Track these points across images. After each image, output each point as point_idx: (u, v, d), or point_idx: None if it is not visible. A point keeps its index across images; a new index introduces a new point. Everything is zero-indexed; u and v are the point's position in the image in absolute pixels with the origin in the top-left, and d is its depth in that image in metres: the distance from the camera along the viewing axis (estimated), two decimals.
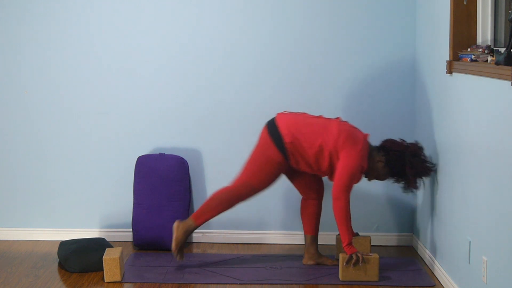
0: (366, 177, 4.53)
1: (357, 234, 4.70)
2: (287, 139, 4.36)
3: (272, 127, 4.43)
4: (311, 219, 4.65)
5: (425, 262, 4.74)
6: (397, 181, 4.51)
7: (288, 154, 4.37)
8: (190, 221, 4.51)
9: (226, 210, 4.52)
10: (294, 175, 4.61)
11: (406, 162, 4.40)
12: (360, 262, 4.28)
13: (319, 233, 4.75)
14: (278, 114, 4.52)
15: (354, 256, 4.28)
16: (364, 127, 5.01)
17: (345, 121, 4.51)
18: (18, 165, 5.17)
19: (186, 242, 5.11)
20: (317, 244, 4.67)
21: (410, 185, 4.45)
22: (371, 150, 4.45)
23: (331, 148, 4.33)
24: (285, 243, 5.15)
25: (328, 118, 4.51)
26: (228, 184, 4.54)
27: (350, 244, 4.30)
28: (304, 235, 4.69)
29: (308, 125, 4.39)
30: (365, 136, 4.45)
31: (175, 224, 4.51)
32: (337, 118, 4.53)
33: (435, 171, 4.46)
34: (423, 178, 4.49)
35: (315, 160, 4.38)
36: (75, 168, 5.16)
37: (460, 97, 3.99)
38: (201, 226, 5.14)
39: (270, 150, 4.39)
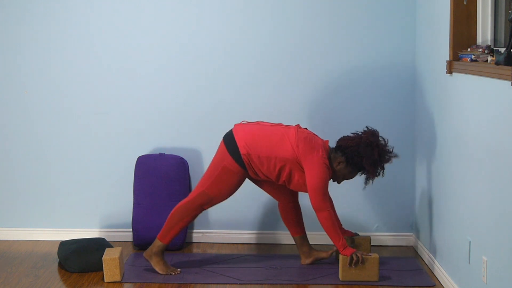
0: (334, 181, 4.47)
1: (357, 234, 4.70)
2: (243, 150, 4.33)
3: (228, 139, 4.40)
4: (293, 221, 4.65)
5: (425, 262, 4.74)
6: (363, 174, 4.43)
7: (245, 165, 4.35)
8: (157, 242, 4.47)
9: (190, 222, 4.50)
10: (260, 183, 4.59)
11: (361, 158, 4.32)
12: (360, 261, 4.27)
13: (314, 233, 4.76)
14: (235, 125, 4.47)
15: (354, 256, 4.27)
16: (364, 127, 5.01)
17: (304, 128, 4.46)
18: (18, 165, 5.17)
19: (186, 242, 5.12)
20: (308, 242, 4.66)
21: (371, 175, 4.36)
22: (331, 154, 4.40)
23: (290, 157, 4.29)
24: (285, 243, 5.15)
25: (286, 126, 4.44)
26: (185, 198, 4.52)
27: (345, 246, 4.30)
28: (293, 237, 4.68)
29: (266, 136, 4.35)
30: (325, 142, 4.42)
31: (145, 256, 4.49)
32: (296, 125, 4.47)
33: (394, 155, 4.38)
34: (383, 165, 4.36)
35: (273, 170, 4.34)
36: (75, 168, 5.16)
37: (460, 97, 3.98)
38: (201, 228, 5.18)
39: (227, 160, 4.36)
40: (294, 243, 5.10)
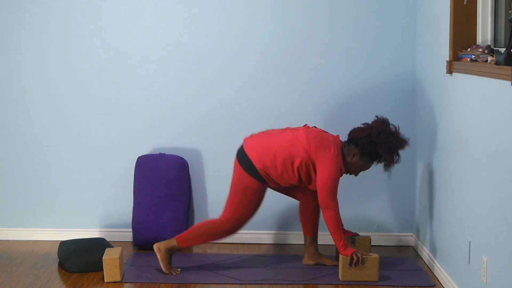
0: (351, 174, 4.48)
1: (356, 234, 4.70)
2: (258, 165, 4.33)
3: (241, 156, 4.39)
4: (310, 221, 4.64)
5: (425, 262, 4.74)
6: (379, 163, 4.44)
7: (263, 178, 4.36)
8: (174, 241, 4.45)
9: (211, 241, 4.52)
10: (283, 189, 4.60)
11: (376, 146, 4.33)
12: (360, 261, 4.27)
13: (319, 233, 4.75)
14: (245, 140, 4.46)
15: (354, 256, 4.27)
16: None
17: (313, 127, 4.47)
18: (18, 165, 5.17)
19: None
20: (316, 245, 4.67)
21: (388, 163, 4.36)
22: (344, 148, 4.41)
23: (305, 159, 4.30)
24: (285, 243, 5.15)
25: (294, 129, 4.43)
26: (217, 218, 4.48)
27: (346, 247, 4.30)
28: (304, 236, 4.68)
29: (277, 145, 4.34)
30: (336, 137, 4.42)
31: (155, 247, 4.45)
32: (304, 125, 4.47)
33: (407, 141, 4.39)
34: (399, 151, 4.37)
35: (292, 175, 4.34)
36: (75, 168, 5.16)
37: (460, 97, 3.98)
38: None
39: (245, 179, 4.36)
40: (294, 243, 5.11)
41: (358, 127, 4.44)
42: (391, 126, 4.39)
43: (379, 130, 4.34)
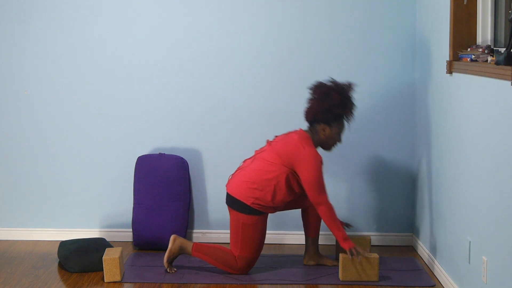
0: (334, 145, 4.47)
1: (348, 225, 4.68)
2: (249, 201, 4.34)
3: (231, 201, 4.42)
4: (313, 223, 4.64)
5: (425, 262, 4.74)
6: (346, 118, 4.44)
7: (260, 210, 4.37)
8: (190, 245, 4.45)
9: (220, 268, 4.47)
10: (284, 208, 4.60)
11: (330, 109, 4.34)
12: (358, 255, 4.27)
13: (319, 233, 4.75)
14: (227, 185, 4.48)
15: (354, 250, 4.27)
16: (364, 128, 5.03)
17: (275, 138, 4.48)
18: (18, 165, 5.17)
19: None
20: (317, 245, 4.67)
21: (347, 113, 4.38)
22: (310, 133, 4.42)
23: (286, 172, 4.32)
24: (285, 243, 5.15)
25: (261, 151, 4.45)
26: (236, 253, 4.43)
27: (346, 238, 4.30)
28: (305, 237, 4.68)
29: (256, 174, 4.36)
30: (299, 132, 4.42)
31: (173, 237, 4.46)
32: (267, 141, 4.50)
33: (348, 84, 4.41)
34: (348, 98, 4.39)
35: (285, 192, 4.36)
36: (75, 168, 5.16)
37: (460, 97, 3.98)
38: (201, 228, 5.18)
39: (242, 218, 4.37)
40: (294, 243, 5.11)
41: (306, 107, 4.45)
42: (327, 84, 4.41)
43: (321, 95, 4.37)
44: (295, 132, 4.45)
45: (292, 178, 4.35)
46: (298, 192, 4.42)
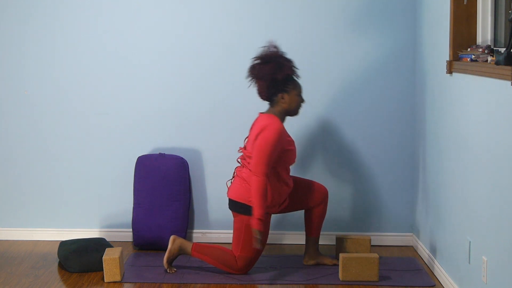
0: (294, 114, 4.48)
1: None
2: (249, 202, 4.35)
3: (232, 206, 4.44)
4: (314, 223, 4.64)
5: (425, 262, 4.74)
6: (295, 78, 4.47)
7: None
8: (189, 245, 4.45)
9: (219, 268, 4.48)
10: (287, 207, 4.61)
11: (274, 79, 4.36)
12: (259, 242, 4.27)
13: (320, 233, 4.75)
14: (227, 193, 4.50)
15: (258, 234, 4.26)
16: (364, 127, 5.03)
17: (245, 142, 4.51)
18: (18, 165, 5.17)
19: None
20: (317, 245, 4.67)
21: (290, 71, 4.41)
22: (272, 109, 4.44)
23: (274, 166, 4.36)
24: (286, 243, 5.15)
25: (242, 157, 4.49)
26: (236, 253, 4.44)
27: (260, 220, 4.25)
28: (306, 237, 4.68)
29: (250, 176, 4.36)
30: (258, 119, 4.43)
31: (172, 238, 4.47)
32: (239, 148, 4.54)
33: (267, 47, 4.44)
34: (279, 59, 4.40)
35: (279, 186, 4.40)
36: (75, 168, 5.16)
37: (460, 97, 3.98)
38: (201, 228, 5.18)
39: (246, 220, 4.36)
40: (294, 243, 5.11)
41: (256, 91, 4.48)
42: (254, 62, 4.44)
43: (257, 73, 4.40)
44: (255, 121, 4.45)
45: (278, 165, 4.36)
46: (286, 178, 4.42)
